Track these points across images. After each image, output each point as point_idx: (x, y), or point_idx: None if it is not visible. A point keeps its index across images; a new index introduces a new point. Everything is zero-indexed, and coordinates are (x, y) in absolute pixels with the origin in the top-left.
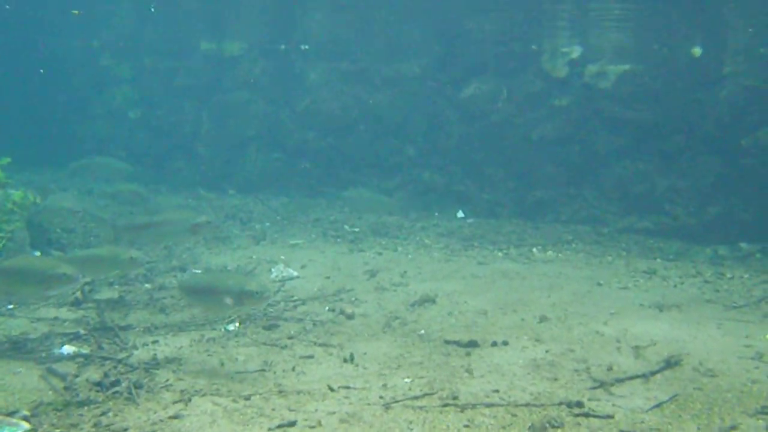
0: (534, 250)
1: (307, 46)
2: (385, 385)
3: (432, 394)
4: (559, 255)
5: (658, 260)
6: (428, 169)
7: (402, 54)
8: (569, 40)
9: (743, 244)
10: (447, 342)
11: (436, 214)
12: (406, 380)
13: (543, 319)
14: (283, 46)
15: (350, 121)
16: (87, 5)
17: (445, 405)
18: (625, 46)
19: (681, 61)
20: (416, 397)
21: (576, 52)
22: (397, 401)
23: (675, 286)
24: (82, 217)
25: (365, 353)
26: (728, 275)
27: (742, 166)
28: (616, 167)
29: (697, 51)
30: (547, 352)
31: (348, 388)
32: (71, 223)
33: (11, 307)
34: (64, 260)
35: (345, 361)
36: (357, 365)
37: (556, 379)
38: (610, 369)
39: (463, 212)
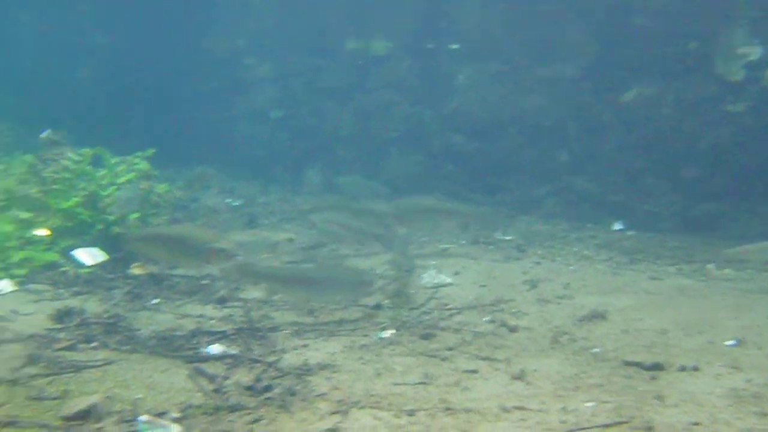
0: (709, 266)
1: (456, 46)
2: (564, 409)
3: (622, 422)
4: (740, 274)
5: None
6: (582, 176)
7: (558, 54)
8: (748, 40)
9: None
10: (627, 363)
11: (589, 225)
12: (588, 404)
13: (739, 342)
14: (431, 45)
15: (499, 124)
16: (231, 3)
17: None
18: None
19: None
20: (605, 426)
21: (755, 53)
22: (582, 429)
23: None
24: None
25: (535, 370)
26: None
27: None
28: None
29: None
30: (748, 381)
31: (522, 409)
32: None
33: (156, 301)
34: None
35: (514, 378)
36: (528, 383)
37: (765, 415)
38: None
39: (620, 224)
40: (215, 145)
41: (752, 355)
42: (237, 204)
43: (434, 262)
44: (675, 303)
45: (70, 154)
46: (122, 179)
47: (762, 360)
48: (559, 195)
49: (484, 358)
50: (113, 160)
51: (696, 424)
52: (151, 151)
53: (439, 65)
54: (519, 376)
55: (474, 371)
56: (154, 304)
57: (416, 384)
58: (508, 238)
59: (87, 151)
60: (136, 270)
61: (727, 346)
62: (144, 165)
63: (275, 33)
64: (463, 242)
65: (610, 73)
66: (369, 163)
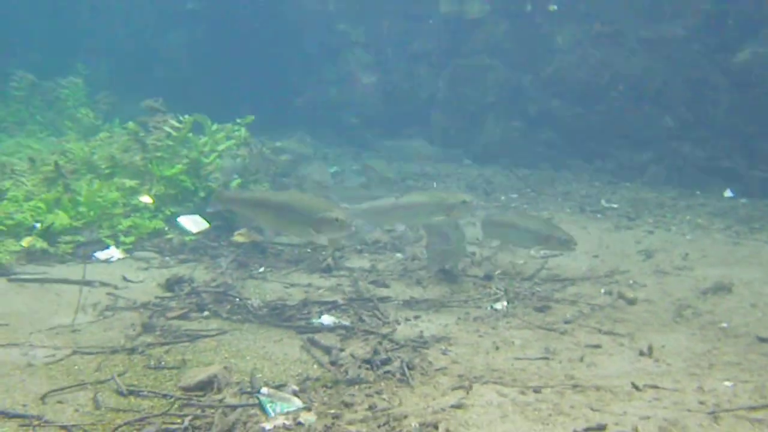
0: None
1: (555, 7)
2: (701, 388)
3: (763, 400)
4: None
5: None
6: (688, 142)
7: (663, 13)
8: None
9: None
10: (762, 340)
11: (698, 192)
12: (727, 384)
13: None
14: (529, 7)
15: (600, 88)
16: None
17: None
18: None
19: None
20: (751, 408)
21: None
22: (725, 410)
23: None
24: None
25: (663, 346)
26: None
27: None
28: None
29: None
30: None
31: (656, 387)
32: None
33: (262, 270)
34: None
35: (641, 354)
36: (657, 360)
37: None
38: None
39: (731, 191)
40: (308, 110)
41: None
42: (333, 171)
43: None
44: None
45: (172, 121)
46: (222, 146)
47: None
48: (663, 161)
49: (605, 332)
50: (213, 127)
51: None
52: (250, 118)
53: (537, 28)
54: (646, 352)
55: (597, 346)
56: (260, 273)
57: (538, 359)
58: (614, 205)
59: (188, 118)
60: (239, 238)
61: None
62: (243, 132)
63: None
64: (568, 210)
65: (722, 32)
66: (464, 129)
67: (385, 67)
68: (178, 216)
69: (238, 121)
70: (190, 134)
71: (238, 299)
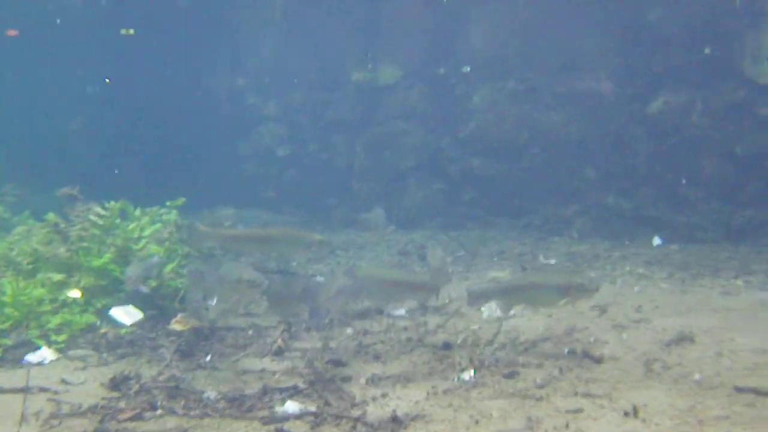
0: None
1: (468, 68)
2: None
3: None
4: None
5: None
6: (612, 192)
7: (576, 68)
8: None
9: None
10: (739, 390)
11: (627, 242)
12: None
13: None
14: (442, 70)
15: (520, 144)
16: (229, 43)
17: None
18: None
19: None
20: None
21: None
22: None
23: None
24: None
25: (645, 405)
26: None
27: None
28: None
29: None
30: None
31: None
32: None
33: (209, 358)
34: None
35: (626, 414)
36: (644, 420)
37: None
38: None
39: (659, 238)
40: (223, 187)
41: None
42: None
43: None
44: (762, 319)
45: (97, 209)
46: (148, 231)
47: None
48: (589, 213)
49: (582, 395)
50: (136, 212)
51: None
52: (181, 200)
53: (452, 89)
54: (631, 413)
55: (578, 410)
56: (208, 362)
57: (523, 430)
58: (552, 261)
59: (114, 204)
60: (176, 325)
61: None
62: (173, 215)
63: (276, 70)
64: (508, 270)
65: (633, 84)
66: (386, 195)
67: (300, 138)
68: (110, 308)
69: (168, 204)
70: (118, 221)
71: (191, 393)
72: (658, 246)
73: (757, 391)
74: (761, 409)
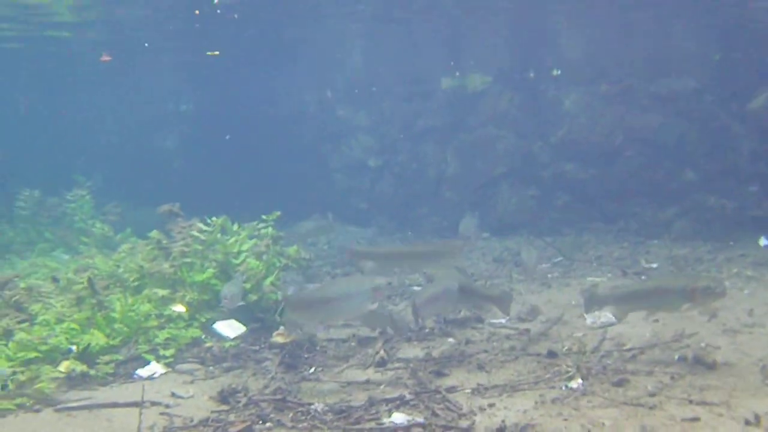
0: None
1: (559, 71)
2: None
3: None
4: None
5: None
6: (713, 193)
7: (672, 67)
8: None
9: None
10: None
11: (731, 243)
12: None
13: None
14: (532, 74)
15: (614, 147)
16: (318, 57)
17: None
18: None
19: None
20: None
21: None
22: None
23: None
24: None
25: (764, 414)
26: None
27: None
28: None
29: None
30: None
31: None
32: None
33: (312, 370)
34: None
35: (748, 423)
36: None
37: None
38: None
39: (767, 238)
40: (315, 200)
41: None
42: None
43: None
44: None
45: (199, 224)
46: (247, 246)
47: None
48: (689, 215)
49: (697, 403)
50: (235, 227)
51: None
52: (276, 214)
53: (543, 93)
54: (753, 421)
55: (695, 419)
56: (312, 374)
57: None
58: (654, 265)
59: (217, 220)
60: (278, 338)
61: None
62: (271, 230)
63: (365, 82)
64: (609, 275)
65: (733, 80)
66: (478, 203)
67: (391, 148)
68: (214, 322)
69: (264, 218)
70: (219, 236)
71: (298, 405)
72: (766, 247)
73: None
74: None
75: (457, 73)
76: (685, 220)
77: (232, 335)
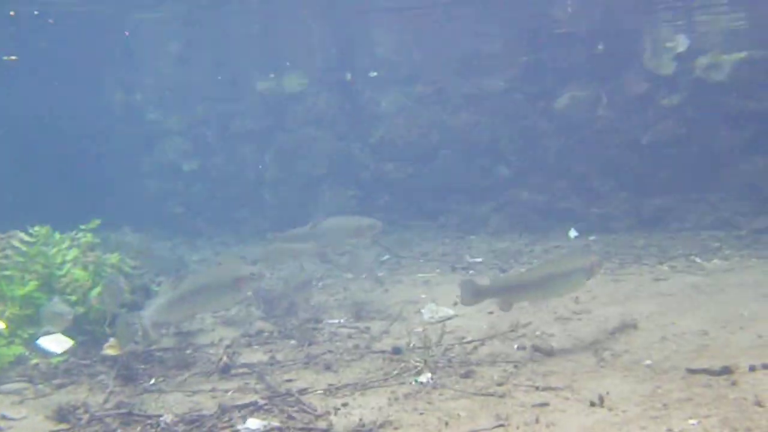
0: (697, 260)
1: (375, 73)
2: (671, 431)
3: None
4: (727, 263)
5: None
6: (525, 188)
7: (482, 68)
8: (673, 32)
9: None
10: (692, 371)
11: (545, 235)
12: (693, 422)
13: None
14: (348, 76)
15: (431, 146)
16: (126, 56)
17: None
18: (738, 32)
19: None
20: None
21: (682, 44)
22: None
23: None
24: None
25: (608, 393)
26: None
27: None
28: (742, 164)
29: None
30: None
31: None
32: None
33: (153, 381)
34: None
35: (593, 404)
36: (612, 409)
37: None
38: None
39: (575, 230)
40: (126, 205)
41: None
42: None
43: (424, 296)
44: (696, 302)
45: (21, 235)
46: (71, 256)
47: None
48: (504, 210)
49: (543, 389)
50: (56, 236)
51: None
52: (96, 222)
53: (360, 95)
54: (598, 402)
55: (545, 404)
56: (152, 385)
57: (495, 428)
58: (479, 259)
59: (40, 229)
60: (109, 350)
61: None
62: (88, 237)
63: (177, 84)
64: (438, 271)
65: (540, 81)
66: (300, 204)
67: (206, 151)
68: (38, 338)
69: (82, 227)
70: (43, 247)
71: (146, 418)
72: (576, 238)
73: (709, 372)
74: (718, 388)
75: (272, 75)
76: (501, 214)
77: (59, 350)
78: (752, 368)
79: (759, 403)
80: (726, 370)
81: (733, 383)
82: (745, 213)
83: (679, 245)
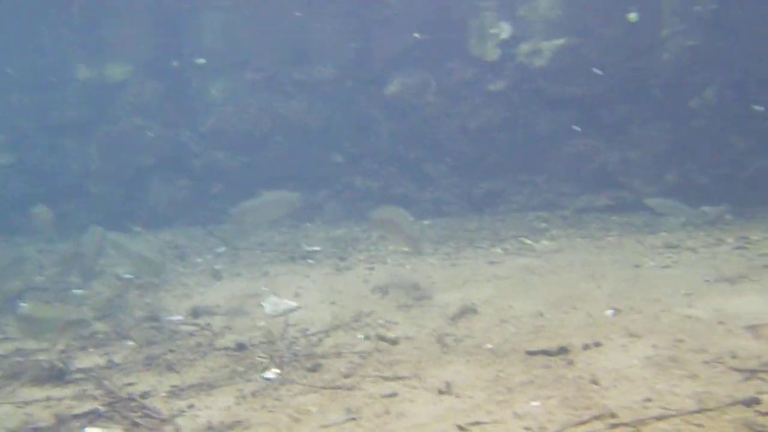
0: (527, 241)
1: (203, 60)
2: (517, 414)
3: (581, 413)
4: (556, 243)
5: (663, 234)
6: (360, 174)
7: (313, 55)
8: (496, 20)
9: (706, 208)
10: (531, 353)
11: None
12: (535, 404)
13: (617, 311)
14: (175, 63)
15: (264, 134)
16: None
17: (615, 426)
18: (557, 19)
19: (618, 29)
20: (579, 423)
21: (505, 31)
22: None
23: (715, 256)
24: None
25: (453, 380)
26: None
27: (694, 129)
28: (564, 147)
29: (633, 16)
30: (654, 347)
31: (479, 424)
32: None
33: None
34: None
35: (441, 392)
36: (459, 396)
37: (696, 376)
38: (735, 356)
39: (410, 215)
40: None
41: (637, 320)
42: None
43: (265, 288)
44: (530, 283)
45: None
46: None
47: (651, 323)
48: (339, 197)
49: (391, 379)
50: None
51: (647, 400)
52: None
53: (188, 82)
54: (445, 390)
55: (393, 394)
56: None
57: (346, 421)
58: (316, 248)
59: None
60: None
61: (608, 316)
62: None
63: None
64: (277, 262)
65: (370, 68)
66: (128, 197)
67: (24, 144)
68: None
69: None
70: None
71: None
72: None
73: (547, 353)
74: (557, 369)
75: (92, 65)
76: (335, 201)
77: None
78: (585, 347)
79: (594, 381)
80: (562, 351)
81: (570, 363)
82: (567, 193)
83: (510, 227)
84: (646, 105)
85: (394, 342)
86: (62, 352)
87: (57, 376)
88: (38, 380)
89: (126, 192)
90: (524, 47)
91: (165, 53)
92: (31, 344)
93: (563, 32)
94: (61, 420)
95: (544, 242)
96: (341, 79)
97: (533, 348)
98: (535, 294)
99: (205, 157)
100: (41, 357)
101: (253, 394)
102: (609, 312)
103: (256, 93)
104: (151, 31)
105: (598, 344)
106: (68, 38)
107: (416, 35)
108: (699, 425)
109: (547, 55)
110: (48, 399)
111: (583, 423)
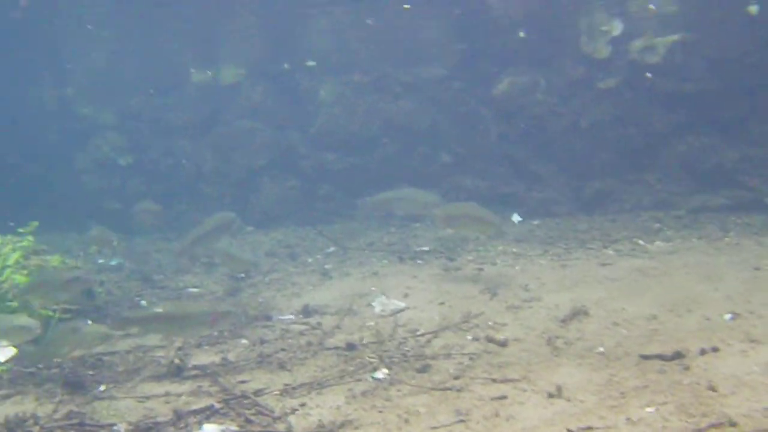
0: (640, 242)
1: (313, 62)
2: (630, 420)
3: (698, 421)
4: (670, 244)
5: None
6: (468, 174)
7: (421, 56)
8: (607, 16)
9: None
10: (645, 357)
11: None
12: (650, 410)
13: (735, 315)
14: (286, 65)
15: (372, 135)
16: (56, 51)
17: None
18: (671, 14)
19: (736, 22)
20: (696, 431)
21: (617, 28)
22: None
23: None
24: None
25: (564, 383)
26: None
27: None
28: (678, 145)
29: (753, 9)
30: None
31: (591, 429)
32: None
33: (103, 388)
34: None
35: (551, 396)
36: (569, 400)
37: None
38: None
39: (518, 215)
40: (63, 204)
41: (758, 325)
42: (114, 263)
43: (374, 288)
44: (643, 285)
45: None
46: (12, 260)
47: None
48: (447, 197)
49: (500, 381)
50: None
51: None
52: (34, 224)
53: (297, 84)
54: (555, 393)
55: (503, 397)
56: (103, 392)
57: (456, 423)
58: (425, 248)
59: None
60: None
61: (726, 320)
62: (28, 241)
63: (109, 77)
64: (386, 261)
65: (478, 68)
66: (239, 196)
67: (142, 145)
68: None
69: (21, 230)
70: None
71: (99, 428)
72: (519, 223)
73: (662, 357)
74: (672, 374)
75: (209, 71)
76: (445, 201)
77: (2, 359)
78: (702, 352)
79: (712, 388)
80: (678, 355)
81: (686, 368)
82: (681, 193)
83: (622, 227)
84: (766, 101)
85: (503, 343)
86: (179, 349)
87: (175, 372)
88: (158, 377)
89: (237, 192)
90: (637, 44)
91: (275, 56)
92: (152, 340)
93: (678, 27)
94: (179, 415)
95: (658, 243)
96: (448, 79)
97: (647, 352)
98: (648, 296)
99: (314, 158)
100: (160, 354)
101: (363, 394)
102: (727, 316)
103: (364, 94)
104: (262, 34)
105: (715, 349)
106: (185, 44)
107: (521, 34)
108: None
109: (661, 51)
110: (167, 394)
111: (700, 431)
